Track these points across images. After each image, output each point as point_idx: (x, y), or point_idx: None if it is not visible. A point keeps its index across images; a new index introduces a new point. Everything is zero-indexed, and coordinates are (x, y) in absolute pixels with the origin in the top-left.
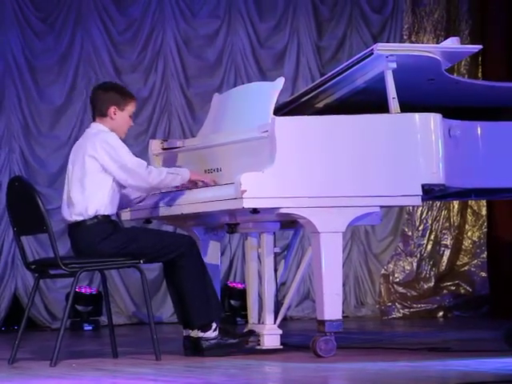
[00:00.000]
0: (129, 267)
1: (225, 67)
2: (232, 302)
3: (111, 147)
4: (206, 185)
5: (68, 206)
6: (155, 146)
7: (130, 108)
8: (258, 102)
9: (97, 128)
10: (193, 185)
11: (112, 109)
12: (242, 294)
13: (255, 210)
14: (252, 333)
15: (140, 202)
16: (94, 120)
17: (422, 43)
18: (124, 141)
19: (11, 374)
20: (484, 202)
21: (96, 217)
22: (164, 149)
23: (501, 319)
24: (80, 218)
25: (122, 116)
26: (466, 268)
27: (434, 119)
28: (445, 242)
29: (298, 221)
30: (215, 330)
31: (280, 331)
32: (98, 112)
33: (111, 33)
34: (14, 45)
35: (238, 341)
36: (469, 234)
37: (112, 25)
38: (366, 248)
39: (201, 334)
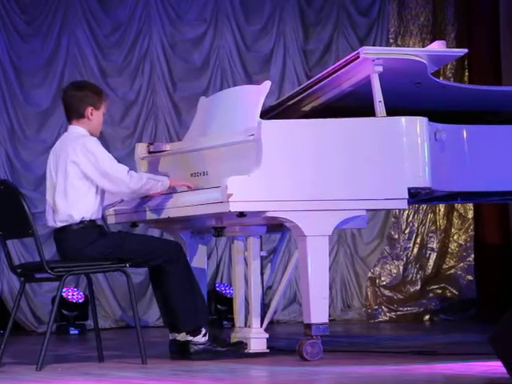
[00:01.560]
0: (115, 271)
1: (211, 70)
2: (219, 305)
3: (92, 153)
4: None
5: (52, 213)
6: (141, 149)
7: (105, 106)
8: (244, 106)
9: (76, 131)
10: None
11: (89, 109)
12: (229, 301)
13: (242, 214)
14: (241, 344)
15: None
16: (69, 122)
17: (408, 47)
18: (110, 144)
19: None
20: (471, 206)
21: (82, 222)
22: (150, 152)
23: (487, 322)
24: (65, 224)
25: (98, 115)
26: (452, 271)
27: (419, 123)
28: (431, 246)
29: (285, 224)
30: (205, 335)
31: (266, 335)
32: (75, 114)
33: (97, 36)
34: (0, 47)
35: (226, 350)
36: (455, 237)
37: (98, 28)
38: (353, 251)
39: (190, 338)
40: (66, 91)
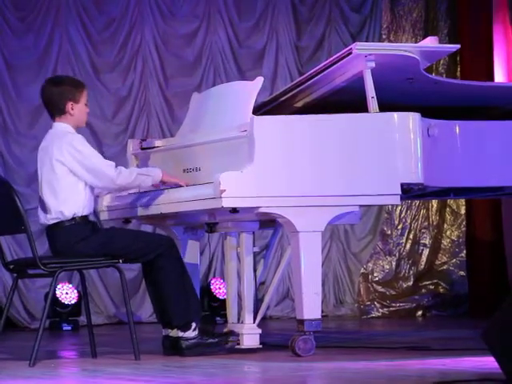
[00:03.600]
0: (107, 267)
1: (204, 66)
2: (212, 302)
3: (77, 150)
4: (178, 186)
5: (44, 211)
6: (134, 145)
7: (84, 97)
8: (237, 102)
9: (60, 128)
10: (164, 186)
11: (69, 104)
12: (222, 300)
13: (234, 210)
14: (232, 333)
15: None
16: (52, 119)
17: (401, 42)
18: (103, 140)
19: None
20: (463, 201)
21: (74, 218)
22: (143, 148)
23: (479, 318)
24: (57, 221)
25: (79, 108)
26: (444, 267)
27: (412, 118)
28: (424, 241)
29: (277, 220)
30: (195, 329)
31: (259, 330)
32: (56, 110)
33: (90, 32)
34: None
35: (218, 340)
36: (448, 233)
37: (91, 24)
38: (346, 247)
39: (180, 334)
40: (43, 88)
